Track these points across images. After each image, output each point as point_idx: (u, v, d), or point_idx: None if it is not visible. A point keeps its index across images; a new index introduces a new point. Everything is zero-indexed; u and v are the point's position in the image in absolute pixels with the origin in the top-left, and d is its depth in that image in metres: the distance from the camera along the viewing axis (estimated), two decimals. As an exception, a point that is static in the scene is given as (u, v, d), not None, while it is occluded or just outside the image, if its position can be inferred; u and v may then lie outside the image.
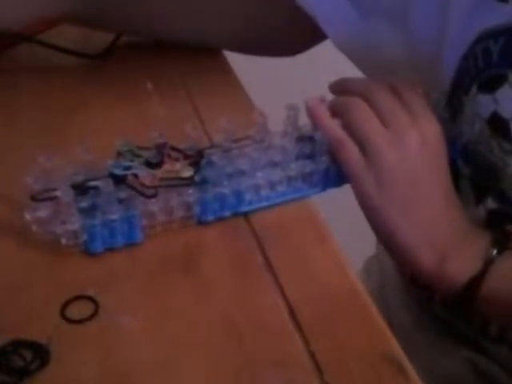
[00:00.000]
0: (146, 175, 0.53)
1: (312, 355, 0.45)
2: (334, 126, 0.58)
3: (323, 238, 0.54)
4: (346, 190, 0.59)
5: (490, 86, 0.59)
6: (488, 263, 0.54)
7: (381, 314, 0.48)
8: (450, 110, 0.63)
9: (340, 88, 0.62)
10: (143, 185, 0.52)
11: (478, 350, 0.68)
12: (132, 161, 0.54)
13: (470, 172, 0.63)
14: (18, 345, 0.44)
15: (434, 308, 0.71)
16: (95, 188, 0.52)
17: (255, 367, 0.44)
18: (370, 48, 0.69)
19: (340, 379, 0.44)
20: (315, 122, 0.58)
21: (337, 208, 1.05)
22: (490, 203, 0.61)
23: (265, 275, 0.51)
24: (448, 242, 0.56)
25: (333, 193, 0.59)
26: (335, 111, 0.59)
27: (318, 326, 0.47)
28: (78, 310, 0.47)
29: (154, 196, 0.52)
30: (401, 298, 0.75)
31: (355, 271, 0.82)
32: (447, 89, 0.64)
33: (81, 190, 0.51)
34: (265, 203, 0.56)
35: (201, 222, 0.54)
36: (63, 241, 0.51)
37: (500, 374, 0.67)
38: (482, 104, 0.60)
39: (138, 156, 0.54)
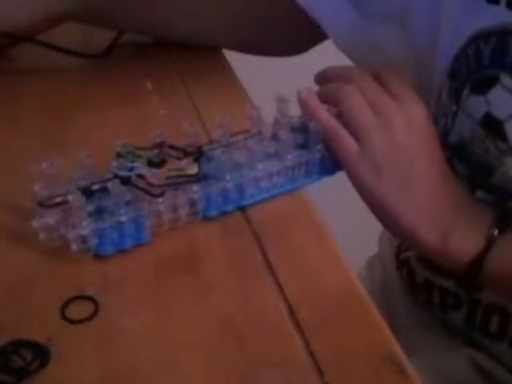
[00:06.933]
0: (152, 175, 0.53)
1: (312, 355, 0.45)
2: (328, 117, 0.58)
3: (323, 238, 0.54)
4: (350, 188, 0.59)
5: (482, 87, 0.59)
6: (490, 242, 0.55)
7: (383, 314, 0.48)
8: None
9: (324, 77, 0.63)
10: (150, 184, 0.52)
11: (479, 349, 0.68)
12: (133, 161, 0.54)
13: (466, 172, 0.63)
14: (18, 345, 0.44)
15: (434, 310, 0.71)
16: (102, 191, 0.52)
17: (255, 367, 0.44)
18: (371, 48, 0.69)
19: (340, 379, 0.44)
20: (309, 113, 0.59)
21: (339, 207, 1.05)
22: (480, 195, 0.62)
23: (265, 275, 0.51)
24: (449, 218, 0.57)
25: (335, 192, 0.59)
26: (324, 99, 0.60)
27: (317, 326, 0.47)
28: (77, 310, 0.47)
29: (161, 195, 0.52)
30: (403, 298, 0.75)
31: (357, 270, 0.82)
32: (438, 89, 0.64)
33: (88, 193, 0.52)
34: (265, 195, 0.56)
35: (205, 218, 0.54)
36: (73, 246, 0.50)
37: (502, 372, 0.67)
38: (474, 105, 0.60)
39: (138, 156, 0.54)
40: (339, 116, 0.59)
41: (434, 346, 0.71)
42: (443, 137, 0.63)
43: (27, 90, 0.71)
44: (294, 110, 0.60)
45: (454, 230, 0.56)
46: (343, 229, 0.69)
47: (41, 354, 0.44)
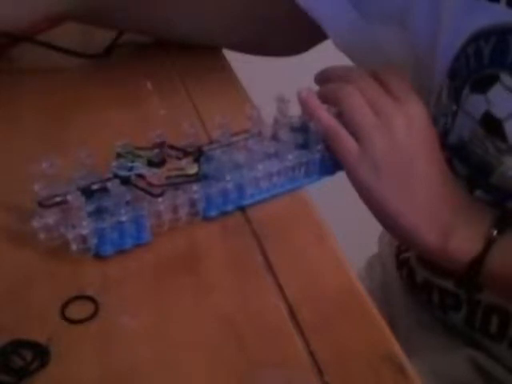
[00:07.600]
0: (152, 175, 0.53)
1: (312, 355, 0.45)
2: (328, 117, 0.59)
3: (323, 238, 0.54)
4: (350, 188, 0.59)
5: (482, 86, 0.59)
6: (490, 242, 0.56)
7: (383, 314, 0.48)
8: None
9: (324, 77, 0.63)
10: (151, 184, 0.52)
11: (479, 349, 0.68)
12: (133, 161, 0.54)
13: (465, 172, 0.63)
14: (18, 345, 0.44)
15: (433, 310, 0.71)
16: (102, 190, 0.52)
17: (255, 367, 0.44)
18: (371, 48, 0.69)
19: (340, 379, 0.44)
20: (309, 113, 0.59)
21: (339, 207, 1.05)
22: (479, 195, 0.62)
23: (265, 275, 0.51)
24: (449, 218, 0.57)
25: (335, 192, 0.59)
26: (324, 99, 0.60)
27: (317, 325, 0.47)
28: (77, 310, 0.47)
29: (161, 195, 0.52)
30: (403, 298, 0.75)
31: (357, 270, 0.82)
32: (438, 89, 0.64)
33: (88, 193, 0.52)
34: (265, 195, 0.56)
35: (205, 218, 0.54)
36: (73, 246, 0.50)
37: (502, 372, 0.67)
38: (474, 104, 0.60)
39: (138, 156, 0.54)
40: (339, 116, 0.59)
41: (434, 346, 0.71)
42: (443, 137, 0.63)
43: (27, 90, 0.71)
44: (294, 110, 0.60)
45: (454, 230, 0.56)
46: (343, 229, 0.69)
47: (41, 354, 0.44)
